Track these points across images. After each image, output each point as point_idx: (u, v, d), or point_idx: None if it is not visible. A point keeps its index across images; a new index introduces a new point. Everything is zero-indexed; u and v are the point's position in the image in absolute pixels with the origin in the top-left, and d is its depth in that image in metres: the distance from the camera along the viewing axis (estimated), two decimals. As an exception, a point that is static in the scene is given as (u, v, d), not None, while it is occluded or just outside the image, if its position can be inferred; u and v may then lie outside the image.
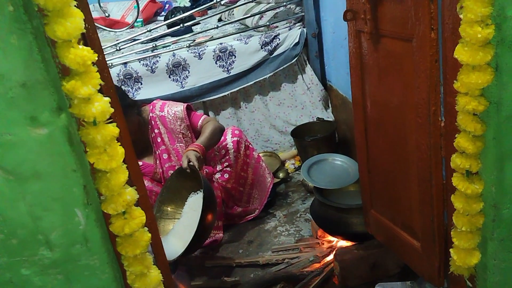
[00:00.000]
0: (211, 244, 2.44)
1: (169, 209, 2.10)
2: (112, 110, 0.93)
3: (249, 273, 2.20)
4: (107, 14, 3.06)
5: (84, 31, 0.86)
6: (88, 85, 0.87)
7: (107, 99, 0.92)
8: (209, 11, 3.94)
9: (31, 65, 0.85)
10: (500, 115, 1.12)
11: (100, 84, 0.91)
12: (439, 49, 1.21)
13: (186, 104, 2.37)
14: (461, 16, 1.03)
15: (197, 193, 2.13)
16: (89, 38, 1.00)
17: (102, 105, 0.90)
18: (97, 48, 1.01)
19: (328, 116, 3.15)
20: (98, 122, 0.91)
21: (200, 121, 2.34)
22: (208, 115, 3.09)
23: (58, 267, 1.00)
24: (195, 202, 2.10)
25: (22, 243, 0.95)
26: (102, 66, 1.02)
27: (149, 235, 1.05)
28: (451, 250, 1.29)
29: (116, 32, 3.33)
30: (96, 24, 2.80)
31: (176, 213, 2.13)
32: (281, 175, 2.92)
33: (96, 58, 0.88)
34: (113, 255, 1.05)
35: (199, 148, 2.09)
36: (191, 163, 1.99)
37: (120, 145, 0.97)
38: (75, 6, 0.85)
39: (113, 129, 0.93)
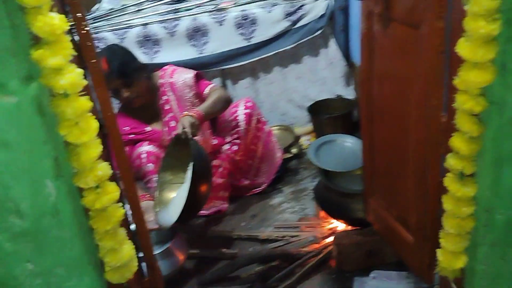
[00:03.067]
0: (215, 214, 2.45)
1: (170, 177, 2.10)
2: (84, 82, 0.91)
3: (248, 246, 2.21)
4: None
5: (54, -1, 0.83)
6: (58, 55, 0.85)
7: (80, 71, 0.90)
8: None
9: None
10: (503, 117, 1.04)
11: (72, 55, 0.88)
12: (446, 40, 1.12)
13: (196, 71, 2.33)
14: (466, 7, 0.94)
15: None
16: (71, 4, 0.98)
17: (73, 77, 0.87)
18: (79, 14, 0.98)
19: (349, 94, 3.05)
20: (69, 94, 0.89)
21: (207, 89, 2.29)
22: (225, 84, 3.05)
23: (29, 236, 1.01)
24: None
25: (-8, 209, 0.97)
26: (84, 37, 1.00)
27: (122, 211, 1.05)
28: (438, 250, 1.24)
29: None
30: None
31: (177, 181, 2.13)
32: (294, 150, 2.87)
33: (67, 27, 0.85)
34: (86, 228, 1.06)
35: (196, 113, 2.01)
36: (185, 129, 1.93)
37: (94, 119, 0.96)
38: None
39: (85, 102, 0.91)
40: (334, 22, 2.97)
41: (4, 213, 0.99)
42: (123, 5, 3.09)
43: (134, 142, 2.30)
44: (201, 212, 2.40)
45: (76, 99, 0.90)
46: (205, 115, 2.05)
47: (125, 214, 1.23)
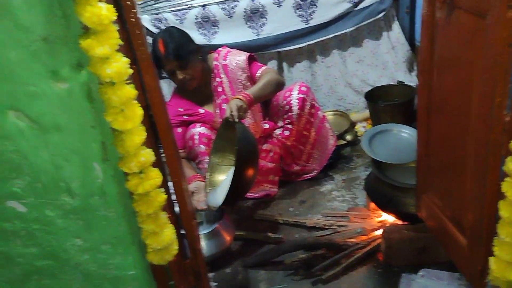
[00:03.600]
0: (264, 197, 2.46)
1: (219, 159, 2.12)
2: (130, 71, 0.92)
3: (294, 232, 2.21)
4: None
5: (103, -12, 0.84)
6: (105, 45, 0.86)
7: (126, 60, 0.91)
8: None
9: (52, 20, 0.87)
10: None
11: (119, 44, 0.89)
12: (516, 31, 1.02)
13: (249, 54, 2.30)
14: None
15: None
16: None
17: (118, 66, 0.89)
18: (129, 3, 0.99)
19: (411, 80, 2.90)
20: (115, 82, 0.91)
21: (259, 72, 2.27)
22: (281, 67, 3.01)
23: (79, 214, 1.07)
24: None
25: (45, 187, 1.02)
26: (134, 25, 1.01)
27: (164, 196, 1.07)
28: (491, 258, 1.16)
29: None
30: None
31: (226, 163, 2.14)
32: (348, 137, 2.80)
33: (114, 17, 0.86)
34: (131, 210, 1.09)
35: (245, 96, 1.98)
36: (232, 113, 1.91)
37: (139, 106, 0.97)
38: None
39: (129, 91, 0.93)
40: (399, 4, 2.83)
41: (56, 191, 1.05)
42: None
43: (188, 123, 2.34)
44: (250, 195, 2.42)
45: (122, 87, 0.92)
46: (255, 98, 2.02)
47: (169, 198, 1.27)
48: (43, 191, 1.03)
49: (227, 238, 2.06)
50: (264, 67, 2.31)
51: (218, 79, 2.33)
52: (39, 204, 1.05)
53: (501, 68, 1.07)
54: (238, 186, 1.84)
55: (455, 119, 1.38)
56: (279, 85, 2.23)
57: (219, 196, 1.98)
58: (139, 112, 0.97)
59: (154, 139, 1.11)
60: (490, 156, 1.18)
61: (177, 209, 1.28)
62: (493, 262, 1.15)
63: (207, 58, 2.33)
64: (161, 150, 1.17)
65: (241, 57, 2.29)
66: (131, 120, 0.95)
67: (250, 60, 2.31)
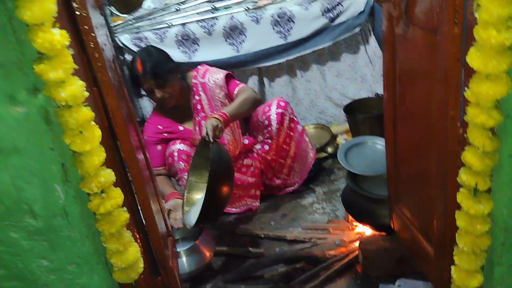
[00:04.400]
0: (246, 212, 2.48)
1: (197, 177, 2.13)
2: (86, 94, 0.94)
3: (275, 246, 2.22)
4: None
5: (55, 15, 0.86)
6: (59, 69, 0.89)
7: (81, 83, 0.94)
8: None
9: (6, 46, 0.89)
10: (520, 131, 0.97)
11: (74, 68, 0.92)
12: (463, 47, 1.05)
13: (226, 72, 2.34)
14: (476, 15, 0.88)
15: None
16: (80, 18, 1.02)
17: (73, 89, 0.91)
18: (88, 28, 1.02)
19: (390, 92, 2.94)
20: (71, 105, 0.93)
21: (237, 89, 2.31)
22: (263, 82, 3.05)
23: (43, 235, 1.08)
24: None
25: (8, 209, 1.04)
26: (93, 48, 1.04)
27: (127, 215, 1.08)
28: (452, 267, 1.18)
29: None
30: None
31: (203, 181, 2.15)
32: (329, 149, 2.83)
33: (67, 43, 0.89)
34: (94, 229, 1.11)
35: (221, 115, 2.01)
36: (208, 132, 1.92)
37: (98, 128, 1.00)
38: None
39: (86, 113, 0.95)
40: (375, 18, 2.88)
41: (20, 213, 1.06)
42: (166, 4, 3.16)
43: (167, 141, 2.37)
44: (232, 210, 2.44)
45: (79, 109, 0.94)
46: (231, 116, 2.06)
47: (139, 216, 1.29)
48: (6, 213, 1.04)
49: (207, 254, 2.07)
50: (241, 85, 2.34)
51: (197, 97, 2.36)
52: (3, 226, 1.06)
53: (452, 82, 1.10)
54: (211, 206, 1.85)
55: (418, 130, 1.41)
56: (256, 103, 2.27)
57: (193, 215, 1.99)
58: (97, 133, 0.99)
59: (118, 158, 1.13)
60: (449, 167, 1.20)
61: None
62: (454, 271, 1.17)
63: (186, 76, 2.36)
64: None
65: (219, 75, 2.33)
66: (89, 141, 0.97)
67: (228, 78, 2.34)
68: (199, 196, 2.11)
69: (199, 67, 2.41)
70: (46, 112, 0.96)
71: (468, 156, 1.00)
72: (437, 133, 1.27)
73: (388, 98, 1.55)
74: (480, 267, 1.12)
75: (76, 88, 0.92)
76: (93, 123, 0.99)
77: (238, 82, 2.37)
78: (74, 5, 1.01)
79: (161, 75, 2.18)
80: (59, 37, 0.88)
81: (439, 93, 1.18)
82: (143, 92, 2.30)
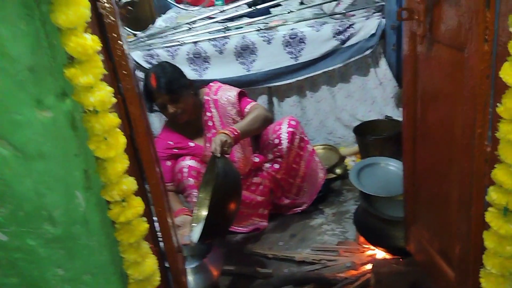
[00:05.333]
0: (254, 231, 2.44)
1: (206, 194, 2.10)
2: (113, 100, 0.93)
3: (283, 267, 2.17)
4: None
5: (88, 19, 0.86)
6: (89, 74, 0.88)
7: (110, 89, 0.93)
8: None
9: (38, 51, 0.88)
10: (553, 149, 0.95)
11: (103, 74, 0.91)
12: (492, 64, 1.05)
13: (239, 89, 2.34)
14: (511, 30, 0.87)
15: None
16: (108, 25, 1.01)
17: (102, 95, 0.90)
18: (116, 35, 1.02)
19: (399, 115, 2.94)
20: (98, 111, 0.92)
21: (248, 106, 2.30)
22: (272, 102, 3.06)
23: (61, 243, 1.05)
24: None
25: (28, 215, 1.01)
26: (119, 56, 1.03)
27: (146, 225, 1.06)
28: (478, 291, 1.14)
29: (193, 10, 3.38)
30: (169, 1, 2.85)
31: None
32: (338, 171, 2.81)
33: (99, 48, 0.88)
34: (113, 239, 1.08)
35: (231, 131, 1.99)
36: (216, 147, 1.90)
37: (122, 135, 0.98)
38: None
39: (113, 119, 0.94)
40: (386, 41, 2.90)
41: (38, 220, 1.04)
42: (177, 23, 3.19)
43: (177, 157, 2.35)
44: (240, 229, 2.40)
45: (105, 115, 0.93)
46: (242, 133, 2.04)
47: (153, 230, 1.26)
48: (25, 219, 1.01)
49: (215, 273, 2.02)
50: (253, 103, 2.34)
51: (208, 113, 2.35)
52: (21, 232, 1.03)
53: (480, 100, 1.09)
54: (213, 222, 1.81)
55: (439, 150, 1.40)
56: (267, 121, 2.27)
57: (198, 232, 1.95)
58: (122, 140, 0.97)
59: (138, 168, 1.11)
60: (474, 187, 1.18)
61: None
62: (480, 295, 1.13)
63: (198, 93, 2.36)
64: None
65: (232, 92, 2.32)
66: (113, 148, 0.95)
67: (240, 95, 2.34)
68: (205, 213, 2.08)
69: (211, 84, 2.41)
70: (73, 118, 0.94)
71: (499, 174, 0.98)
72: (460, 153, 1.25)
73: (408, 117, 1.54)
74: (508, 290, 1.09)
75: (105, 93, 0.91)
76: (118, 129, 0.98)
77: (250, 100, 2.37)
78: (103, 12, 1.00)
79: (175, 90, 2.18)
80: (91, 42, 0.88)
81: (465, 111, 1.17)
82: (155, 107, 2.28)
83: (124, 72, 1.05)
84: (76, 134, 0.95)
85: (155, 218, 1.23)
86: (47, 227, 1.03)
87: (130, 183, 1.00)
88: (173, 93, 2.18)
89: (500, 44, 0.98)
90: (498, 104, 0.95)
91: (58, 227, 1.03)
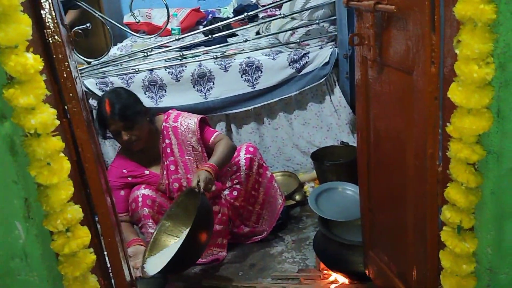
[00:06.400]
0: (213, 262, 2.36)
1: (170, 226, 2.06)
2: (57, 122, 0.88)
3: (244, 298, 2.11)
4: (137, 20, 3.07)
5: (30, 38, 0.81)
6: (29, 95, 0.83)
7: (53, 111, 0.87)
8: (250, 23, 3.90)
9: (-27, 70, 0.82)
10: (501, 167, 0.98)
11: (46, 95, 0.86)
12: (440, 86, 1.07)
13: (200, 116, 2.31)
14: (457, 51, 0.90)
15: None
16: (54, 45, 0.97)
17: (44, 117, 0.85)
18: (62, 56, 0.97)
19: (354, 141, 3.00)
20: (40, 134, 0.86)
21: (213, 137, 2.29)
22: (231, 129, 3.04)
23: (-3, 279, 0.96)
24: None
25: (-42, 250, 0.92)
26: (65, 78, 0.98)
27: (93, 257, 0.99)
28: (437, 312, 1.14)
29: (150, 38, 3.36)
30: (125, 30, 2.81)
31: (178, 230, 2.09)
32: (297, 197, 2.80)
33: (40, 67, 0.83)
34: (56, 273, 1.00)
35: (212, 168, 2.05)
36: (199, 183, 1.95)
37: (67, 159, 0.92)
38: (22, 12, 0.81)
39: (56, 143, 0.88)
40: (339, 70, 2.98)
41: (-29, 255, 0.95)
42: (132, 51, 3.15)
43: (131, 186, 2.27)
44: (199, 260, 2.32)
45: (48, 139, 0.87)
46: (219, 168, 2.10)
47: (104, 263, 1.18)
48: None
49: (172, 307, 1.93)
50: (216, 133, 2.33)
51: (167, 141, 2.30)
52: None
53: (429, 121, 1.11)
54: (186, 255, 1.79)
55: (393, 174, 1.41)
56: (234, 150, 2.29)
57: (157, 264, 1.88)
58: (66, 165, 0.91)
59: (85, 197, 1.05)
60: (428, 207, 1.19)
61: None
62: (439, 316, 1.12)
63: (154, 120, 2.30)
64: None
65: (192, 119, 2.29)
66: (57, 174, 0.89)
67: (201, 123, 2.31)
68: (169, 243, 2.01)
69: (170, 111, 2.37)
70: (12, 141, 0.88)
71: (451, 192, 0.99)
72: (413, 175, 1.27)
73: (362, 142, 1.56)
74: (466, 310, 1.09)
75: (47, 115, 0.86)
76: (62, 154, 0.92)
77: (212, 129, 2.36)
78: (47, 31, 0.96)
79: (129, 117, 2.12)
80: (33, 61, 0.83)
81: (416, 133, 1.19)
82: (109, 134, 2.21)
83: (70, 94, 1.00)
84: (15, 159, 0.89)
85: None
86: (-18, 262, 0.95)
87: (75, 212, 0.94)
88: (127, 120, 2.13)
89: (446, 66, 1.01)
90: (447, 123, 0.97)
91: (-6, 261, 0.95)
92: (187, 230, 2.01)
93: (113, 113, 2.11)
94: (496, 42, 0.88)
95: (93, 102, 2.88)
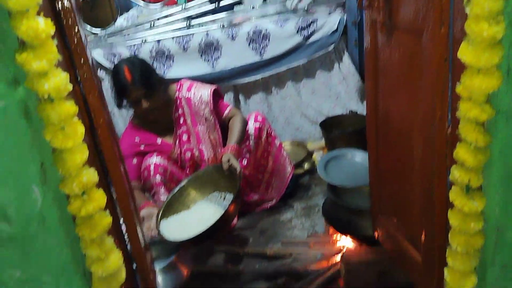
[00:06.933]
0: (224, 229, 2.41)
1: (193, 192, 2.15)
2: (70, 87, 0.89)
3: (255, 263, 2.15)
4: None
5: (40, 2, 0.82)
6: (42, 59, 0.84)
7: (65, 75, 0.89)
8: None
9: (-14, 35, 0.83)
10: (510, 126, 0.98)
11: (58, 59, 0.87)
12: (449, 46, 1.07)
13: (213, 87, 2.30)
14: (467, 10, 0.89)
15: (222, 194, 2.16)
16: (64, 11, 0.97)
17: (57, 81, 0.86)
18: (71, 21, 0.98)
19: (363, 109, 2.98)
20: (54, 98, 0.88)
21: (226, 111, 2.32)
22: (239, 99, 3.04)
23: (16, 242, 0.99)
24: (213, 202, 2.15)
25: (-21, 212, 0.95)
26: (75, 43, 0.99)
27: (109, 219, 1.02)
28: (445, 269, 1.16)
29: (155, 8, 3.32)
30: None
31: (197, 199, 2.17)
32: (306, 166, 2.82)
33: (52, 32, 0.84)
34: (74, 236, 1.03)
35: (235, 151, 2.14)
36: (232, 167, 2.06)
37: (81, 124, 0.94)
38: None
39: (70, 107, 0.90)
40: (348, 37, 2.94)
41: (-9, 219, 0.98)
42: (139, 22, 3.13)
43: (144, 154, 2.29)
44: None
45: (62, 103, 0.89)
46: (239, 148, 2.20)
47: (118, 225, 1.22)
48: (-24, 217, 0.96)
49: (184, 271, 1.99)
50: (229, 107, 2.35)
51: (180, 111, 2.31)
52: (-29, 231, 0.97)
53: (439, 83, 1.11)
54: (212, 231, 1.86)
55: (402, 138, 1.42)
56: (246, 126, 2.34)
57: (171, 227, 1.94)
58: (80, 129, 0.93)
59: (98, 160, 1.07)
60: (436, 169, 1.20)
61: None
62: (447, 273, 1.15)
63: (168, 89, 2.30)
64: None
65: (206, 90, 2.28)
66: (72, 138, 0.91)
67: (215, 95, 2.31)
68: (181, 210, 2.09)
69: (182, 81, 2.36)
70: (26, 107, 0.90)
71: (460, 152, 1.00)
72: (421, 138, 1.27)
73: (370, 109, 1.56)
74: (473, 268, 1.11)
75: (60, 80, 0.87)
76: (76, 118, 0.93)
77: (225, 103, 2.38)
78: (58, -4, 0.96)
79: (151, 84, 2.13)
80: (44, 25, 0.84)
81: (425, 96, 1.19)
82: (124, 104, 2.21)
83: (81, 60, 1.01)
84: (30, 124, 0.91)
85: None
86: (1, 224, 0.98)
87: (90, 175, 0.96)
88: (149, 88, 2.12)
89: (456, 26, 1.00)
90: (457, 83, 0.97)
91: (13, 225, 0.97)
92: (209, 208, 2.12)
93: (134, 80, 2.10)
94: (507, 0, 0.87)
95: (101, 74, 2.89)
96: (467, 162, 0.99)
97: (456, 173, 1.03)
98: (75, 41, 0.97)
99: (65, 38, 0.99)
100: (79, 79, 1.03)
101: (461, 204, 1.03)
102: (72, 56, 0.99)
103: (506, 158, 1.00)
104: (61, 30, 0.98)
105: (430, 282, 1.35)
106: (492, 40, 0.87)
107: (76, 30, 0.98)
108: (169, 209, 2.06)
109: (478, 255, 1.10)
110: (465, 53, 0.92)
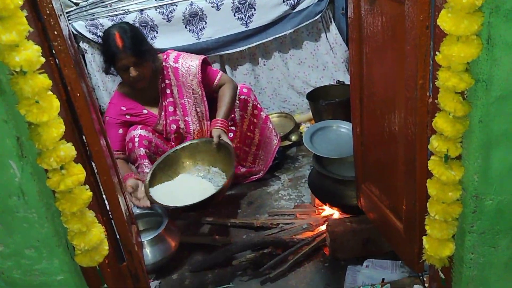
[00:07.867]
0: (212, 201, 2.42)
1: (187, 162, 2.21)
2: (42, 60, 0.87)
3: (242, 233, 2.18)
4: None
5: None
6: (12, 31, 0.81)
7: (37, 47, 0.86)
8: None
9: (-49, 7, 0.80)
10: (490, 95, 0.98)
11: (28, 31, 0.84)
12: (431, 14, 1.05)
13: (202, 57, 2.25)
14: (447, -25, 0.87)
15: (207, 167, 2.22)
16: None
17: (28, 54, 0.84)
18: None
19: (351, 79, 2.98)
20: (26, 71, 0.85)
21: (217, 79, 2.29)
22: (225, 71, 3.01)
23: (-3, 217, 0.99)
24: (197, 174, 2.21)
25: (-43, 189, 0.95)
26: (48, 15, 0.96)
27: (89, 193, 1.01)
28: (423, 238, 1.18)
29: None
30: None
31: (190, 170, 2.22)
32: (293, 137, 2.83)
33: (21, 2, 0.81)
34: (54, 210, 1.03)
35: (225, 125, 2.16)
36: (224, 143, 2.09)
37: (55, 98, 0.92)
38: None
39: (43, 80, 0.88)
40: (335, 6, 2.90)
41: (-30, 194, 0.97)
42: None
43: (130, 124, 2.27)
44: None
45: (34, 76, 0.87)
46: (227, 123, 2.21)
47: (101, 199, 1.21)
48: (-47, 194, 0.95)
49: (172, 243, 2.00)
50: (220, 74, 2.31)
51: (166, 81, 2.27)
52: (-49, 208, 0.96)
53: (420, 51, 1.10)
54: (207, 202, 1.95)
55: (385, 107, 1.41)
56: (236, 91, 2.32)
57: (160, 195, 1.96)
58: (55, 103, 0.91)
59: (77, 134, 1.06)
60: (417, 138, 1.21)
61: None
62: (426, 241, 1.17)
63: (156, 59, 2.25)
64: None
65: (194, 61, 2.23)
66: (47, 111, 0.90)
67: (204, 64, 2.27)
68: (181, 179, 2.15)
69: (169, 51, 2.32)
70: (-2, 80, 0.88)
71: (439, 121, 1.00)
72: (404, 107, 1.27)
73: (354, 77, 1.55)
74: (451, 235, 1.13)
75: (32, 52, 0.85)
76: (50, 92, 0.92)
77: (215, 70, 2.33)
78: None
79: (141, 51, 2.08)
80: (11, -5, 0.81)
81: (407, 64, 1.18)
82: (112, 71, 2.16)
83: (55, 32, 0.98)
84: (3, 98, 0.89)
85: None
86: (-20, 200, 0.97)
87: (67, 149, 0.95)
88: (138, 55, 2.08)
89: (439, -6, 0.99)
90: (437, 52, 0.96)
91: (-8, 199, 0.98)
92: (199, 178, 2.19)
93: (125, 47, 2.05)
94: (488, -34, 0.85)
95: (84, 46, 2.83)
96: (446, 131, 0.99)
97: (434, 143, 1.03)
98: (48, 12, 0.94)
99: (37, 10, 0.96)
100: (54, 51, 1.01)
101: (439, 173, 1.04)
102: (45, 29, 0.96)
103: (486, 126, 1.00)
104: (33, 2, 0.95)
105: (411, 251, 1.38)
106: (472, 7, 0.86)
107: (48, 1, 0.95)
108: (152, 179, 2.06)
109: (456, 223, 1.12)
110: (444, 20, 0.90)
